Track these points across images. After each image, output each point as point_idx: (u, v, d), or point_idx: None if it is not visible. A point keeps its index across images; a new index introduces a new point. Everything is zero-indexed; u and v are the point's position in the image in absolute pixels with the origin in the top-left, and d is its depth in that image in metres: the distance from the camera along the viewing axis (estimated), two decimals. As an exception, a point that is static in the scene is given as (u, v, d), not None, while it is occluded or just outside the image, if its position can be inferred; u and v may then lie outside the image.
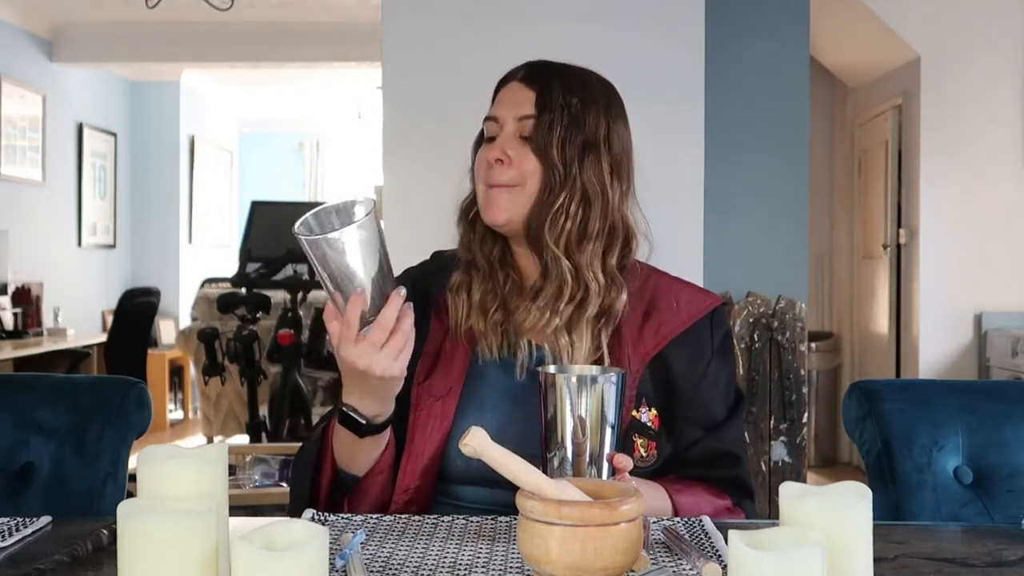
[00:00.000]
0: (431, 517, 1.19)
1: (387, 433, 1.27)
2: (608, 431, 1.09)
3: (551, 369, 1.11)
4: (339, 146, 10.04)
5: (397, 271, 1.21)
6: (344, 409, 1.22)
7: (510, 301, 1.35)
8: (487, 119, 1.37)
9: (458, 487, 1.32)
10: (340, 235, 1.05)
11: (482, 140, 1.38)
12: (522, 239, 1.35)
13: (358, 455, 1.27)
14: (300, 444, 1.49)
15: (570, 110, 1.32)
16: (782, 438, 2.94)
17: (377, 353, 1.13)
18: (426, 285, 1.41)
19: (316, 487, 1.31)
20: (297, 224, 1.09)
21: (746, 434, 2.95)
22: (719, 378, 1.37)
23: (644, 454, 1.30)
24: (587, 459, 1.09)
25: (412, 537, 1.11)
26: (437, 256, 1.49)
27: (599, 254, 1.32)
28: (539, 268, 1.34)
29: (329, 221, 1.10)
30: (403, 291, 1.13)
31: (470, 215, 1.39)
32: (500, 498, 1.22)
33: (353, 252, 1.07)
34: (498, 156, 1.32)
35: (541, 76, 1.36)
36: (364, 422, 1.21)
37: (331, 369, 4.85)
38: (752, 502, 1.37)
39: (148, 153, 7.82)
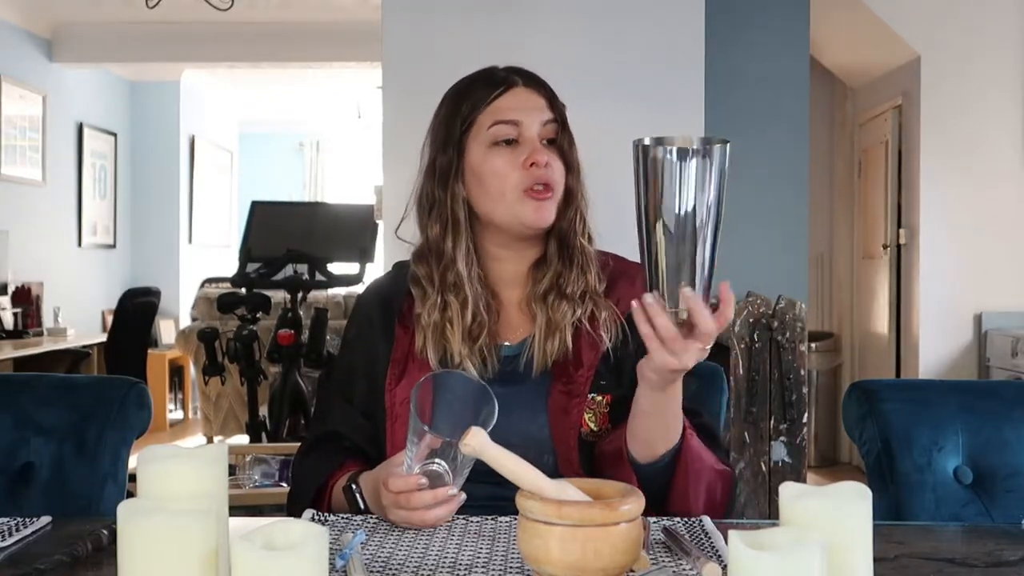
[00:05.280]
0: (431, 517, 1.19)
1: None
2: (706, 213, 0.99)
3: (646, 140, 1.00)
4: (339, 146, 10.04)
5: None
6: (352, 488, 1.26)
7: (491, 320, 1.37)
8: (502, 123, 1.36)
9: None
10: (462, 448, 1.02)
11: (446, 164, 1.38)
12: (532, 239, 1.39)
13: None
14: (298, 445, 1.50)
15: (563, 113, 1.40)
16: (782, 438, 2.94)
17: (415, 514, 1.15)
18: (390, 295, 1.44)
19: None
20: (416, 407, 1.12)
21: (746, 434, 2.95)
22: None
23: (595, 428, 1.32)
24: (684, 245, 1.00)
25: (412, 537, 1.11)
26: (399, 266, 1.51)
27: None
28: (532, 262, 1.40)
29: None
30: (463, 497, 1.15)
31: (453, 234, 1.37)
32: (498, 493, 1.22)
33: (459, 465, 1.13)
34: (547, 160, 1.35)
35: (537, 80, 1.42)
36: (363, 506, 1.25)
37: (331, 369, 4.83)
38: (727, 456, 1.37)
39: (148, 153, 7.81)
